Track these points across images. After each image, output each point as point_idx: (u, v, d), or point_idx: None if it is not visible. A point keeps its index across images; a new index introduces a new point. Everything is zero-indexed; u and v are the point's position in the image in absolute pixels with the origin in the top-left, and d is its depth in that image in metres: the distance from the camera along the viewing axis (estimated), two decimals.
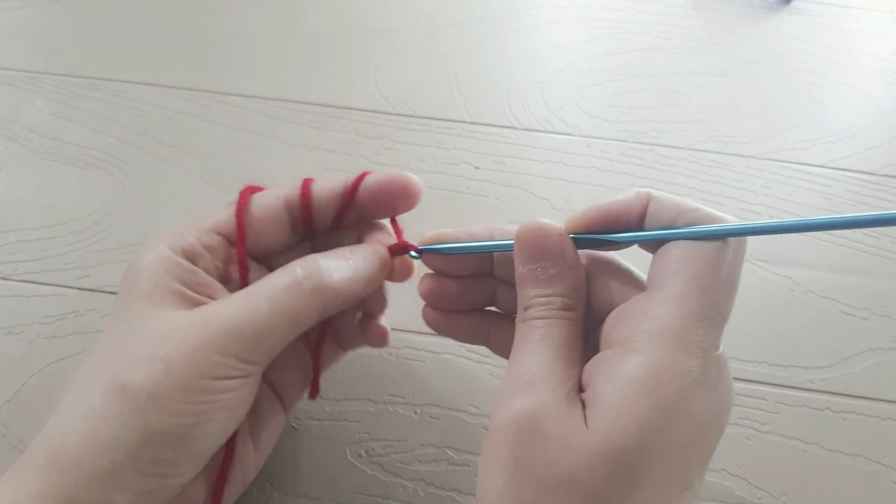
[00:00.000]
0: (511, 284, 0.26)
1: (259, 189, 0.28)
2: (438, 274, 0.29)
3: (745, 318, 0.37)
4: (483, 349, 0.34)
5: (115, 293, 0.37)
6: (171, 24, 0.51)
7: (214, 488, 0.26)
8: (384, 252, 0.28)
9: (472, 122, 0.45)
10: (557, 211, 0.41)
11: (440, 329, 0.29)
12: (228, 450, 0.26)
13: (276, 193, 0.28)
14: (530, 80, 0.48)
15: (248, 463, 0.28)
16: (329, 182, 0.28)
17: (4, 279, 0.38)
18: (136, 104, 0.46)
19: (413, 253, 0.28)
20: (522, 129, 0.45)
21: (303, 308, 0.24)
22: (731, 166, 0.43)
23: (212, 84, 0.47)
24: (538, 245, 0.24)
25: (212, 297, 0.26)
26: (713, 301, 0.22)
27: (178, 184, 0.42)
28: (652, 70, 0.49)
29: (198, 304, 0.25)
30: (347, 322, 0.30)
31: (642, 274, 0.25)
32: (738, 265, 0.22)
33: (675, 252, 0.23)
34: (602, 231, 0.24)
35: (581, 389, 0.22)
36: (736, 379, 0.34)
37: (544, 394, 0.21)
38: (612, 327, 0.23)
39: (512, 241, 0.25)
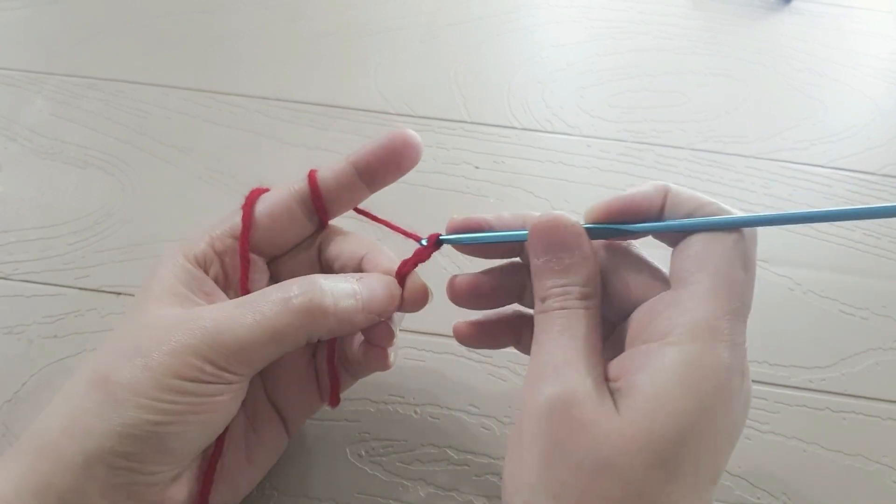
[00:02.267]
0: None
1: (265, 190, 0.28)
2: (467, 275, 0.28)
3: None
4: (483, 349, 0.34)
5: (115, 293, 0.37)
6: (171, 24, 0.51)
7: (199, 495, 0.26)
8: (393, 283, 0.27)
9: (472, 122, 0.45)
10: (557, 211, 0.41)
11: (471, 342, 0.29)
12: (213, 457, 0.26)
13: (284, 189, 0.28)
14: (530, 80, 0.48)
15: (240, 476, 0.28)
16: (334, 164, 0.28)
17: (4, 279, 0.38)
18: (136, 104, 0.46)
19: (423, 241, 0.28)
20: (522, 129, 0.45)
21: (287, 325, 0.24)
22: (731, 166, 0.43)
23: (212, 84, 0.47)
24: (554, 236, 0.24)
25: (212, 302, 0.26)
26: (738, 294, 0.22)
27: (178, 184, 0.42)
28: (652, 70, 0.49)
29: (197, 306, 0.25)
30: (354, 349, 0.30)
31: (665, 268, 0.25)
32: (754, 257, 0.23)
33: (697, 247, 0.23)
34: (622, 222, 0.25)
35: (608, 380, 0.22)
36: None
37: (574, 380, 0.22)
38: (644, 323, 0.23)
39: (526, 232, 0.25)
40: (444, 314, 0.30)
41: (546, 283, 0.24)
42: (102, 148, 0.43)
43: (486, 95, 0.47)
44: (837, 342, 0.36)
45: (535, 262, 0.25)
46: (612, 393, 0.22)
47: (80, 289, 0.37)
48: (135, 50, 0.49)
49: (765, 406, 0.34)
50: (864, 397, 0.34)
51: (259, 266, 0.28)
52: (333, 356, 0.29)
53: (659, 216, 0.24)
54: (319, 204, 0.28)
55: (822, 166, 0.43)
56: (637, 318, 0.24)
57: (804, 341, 0.36)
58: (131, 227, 0.40)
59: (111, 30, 0.50)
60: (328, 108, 0.46)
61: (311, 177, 0.28)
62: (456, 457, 0.32)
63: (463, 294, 0.28)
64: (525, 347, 0.29)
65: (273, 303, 0.24)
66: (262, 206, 0.28)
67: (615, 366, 0.23)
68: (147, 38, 0.50)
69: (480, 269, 0.29)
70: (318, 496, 0.31)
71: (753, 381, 0.34)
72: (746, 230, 0.23)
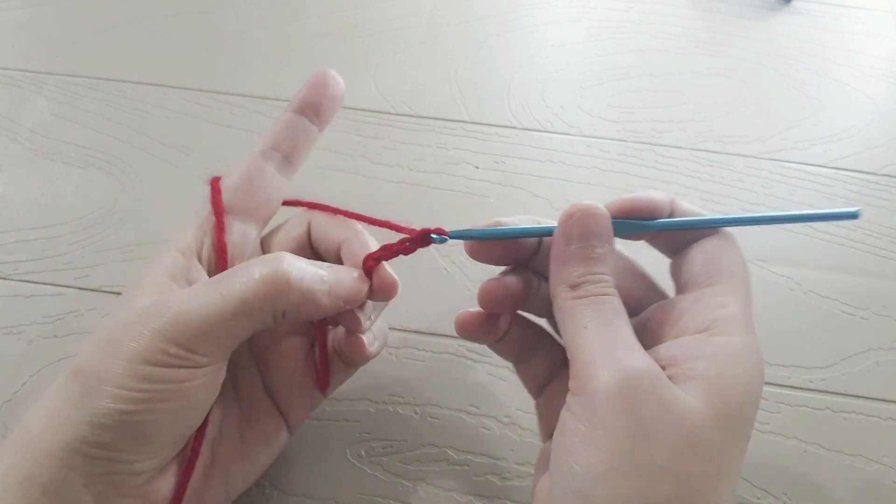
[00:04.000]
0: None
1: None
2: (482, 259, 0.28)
3: None
4: (483, 348, 0.34)
5: (115, 293, 0.37)
6: (171, 24, 0.51)
7: (177, 486, 0.25)
8: (360, 277, 0.27)
9: (472, 122, 0.45)
10: (557, 210, 0.40)
11: (473, 335, 0.29)
12: (194, 448, 0.26)
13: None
14: (530, 80, 0.48)
15: (234, 470, 0.27)
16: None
17: (4, 279, 0.38)
18: (136, 104, 0.46)
19: (436, 236, 0.27)
20: (522, 129, 0.45)
21: (252, 298, 0.24)
22: (731, 166, 0.43)
23: (212, 84, 0.47)
24: (590, 224, 0.24)
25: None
26: (748, 292, 0.25)
27: (178, 184, 0.42)
28: (652, 70, 0.49)
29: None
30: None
31: (656, 279, 0.28)
32: (744, 258, 0.26)
33: (706, 254, 0.25)
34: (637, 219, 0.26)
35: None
36: None
37: (646, 360, 0.22)
38: (671, 321, 0.25)
39: (549, 227, 0.26)
40: (443, 314, 0.30)
41: (578, 270, 0.24)
42: (102, 148, 0.43)
43: (486, 95, 0.47)
44: (837, 342, 0.36)
45: (567, 249, 0.24)
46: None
47: (80, 289, 0.37)
48: (135, 50, 0.49)
49: (765, 406, 0.34)
50: (865, 397, 0.34)
51: (251, 241, 0.28)
52: (324, 338, 0.29)
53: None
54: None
55: (822, 166, 0.43)
56: (658, 318, 0.26)
57: (804, 341, 0.36)
58: (131, 227, 0.40)
59: (111, 30, 0.50)
60: None
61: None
62: (456, 457, 0.32)
63: (495, 297, 0.27)
64: (505, 346, 0.29)
65: (237, 276, 0.24)
66: (234, 175, 0.28)
67: (662, 355, 0.23)
68: (147, 38, 0.50)
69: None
70: (318, 496, 0.31)
71: None
72: (732, 236, 0.26)
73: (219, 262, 0.27)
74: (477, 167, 0.43)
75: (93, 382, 0.22)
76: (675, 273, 0.27)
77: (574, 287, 0.24)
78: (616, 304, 0.24)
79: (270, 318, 0.25)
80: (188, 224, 0.27)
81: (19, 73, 0.47)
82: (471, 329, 0.28)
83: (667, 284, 0.28)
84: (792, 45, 0.51)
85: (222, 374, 0.25)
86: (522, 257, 0.28)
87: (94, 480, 0.22)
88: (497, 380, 0.34)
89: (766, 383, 0.35)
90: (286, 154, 0.29)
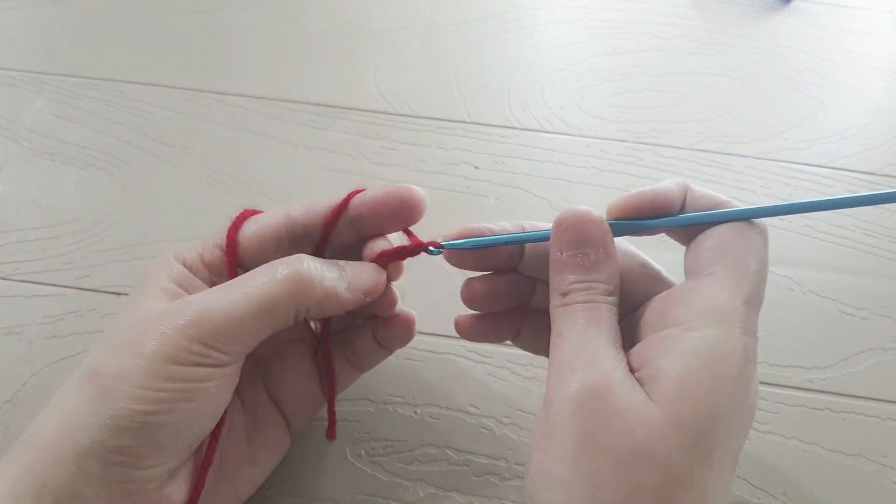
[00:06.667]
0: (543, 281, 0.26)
1: (255, 212, 0.29)
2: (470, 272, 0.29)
3: None
4: (483, 348, 0.34)
5: (115, 293, 0.37)
6: (171, 24, 0.51)
7: (191, 491, 0.25)
8: (376, 269, 0.27)
9: (472, 122, 0.45)
10: (557, 211, 0.40)
11: (473, 335, 0.29)
12: (207, 453, 0.26)
13: (277, 210, 0.28)
14: (530, 80, 0.48)
15: (242, 476, 0.27)
16: (332, 198, 0.28)
17: (4, 279, 0.38)
18: (136, 104, 0.46)
19: (433, 248, 0.27)
20: (522, 129, 0.45)
21: (275, 296, 0.24)
22: (731, 166, 0.43)
23: (212, 84, 0.47)
24: (581, 231, 0.24)
25: None
26: (754, 287, 0.23)
27: (178, 184, 0.42)
28: (652, 70, 0.49)
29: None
30: (362, 340, 0.30)
31: (663, 269, 0.27)
32: (767, 253, 0.24)
33: (714, 240, 0.24)
34: (644, 217, 0.25)
35: (633, 370, 0.22)
36: None
37: (606, 369, 0.22)
38: (660, 313, 0.24)
39: (542, 232, 0.26)
40: (443, 315, 0.30)
41: (569, 278, 0.24)
42: (102, 148, 0.43)
43: (486, 95, 0.47)
44: (837, 342, 0.36)
45: (558, 257, 0.24)
46: (639, 381, 0.22)
47: (80, 289, 0.37)
48: (135, 50, 0.49)
49: (765, 406, 0.34)
50: (864, 397, 0.34)
51: None
52: (328, 343, 0.29)
53: (679, 213, 0.25)
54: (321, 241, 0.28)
55: (822, 166, 0.43)
56: (652, 310, 0.24)
57: (804, 341, 0.36)
58: (131, 227, 0.40)
59: (111, 30, 0.50)
60: (328, 108, 0.46)
61: (329, 221, 0.28)
62: (456, 457, 0.32)
63: (478, 295, 0.28)
64: (523, 342, 0.30)
65: (260, 276, 0.24)
66: (250, 227, 0.27)
67: (634, 356, 0.23)
68: (147, 38, 0.50)
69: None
70: (318, 496, 0.31)
71: None
72: (759, 227, 0.24)
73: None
74: (477, 167, 0.43)
75: (111, 384, 0.22)
76: (685, 262, 0.26)
77: (564, 294, 0.24)
78: (601, 311, 0.23)
79: (293, 316, 0.25)
80: (194, 242, 0.28)
81: (19, 73, 0.47)
82: (466, 331, 0.29)
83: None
84: (792, 45, 0.51)
85: (237, 376, 0.25)
86: (501, 264, 0.28)
87: (107, 488, 0.22)
88: (497, 380, 0.34)
89: (766, 383, 0.35)
90: (313, 238, 0.28)
